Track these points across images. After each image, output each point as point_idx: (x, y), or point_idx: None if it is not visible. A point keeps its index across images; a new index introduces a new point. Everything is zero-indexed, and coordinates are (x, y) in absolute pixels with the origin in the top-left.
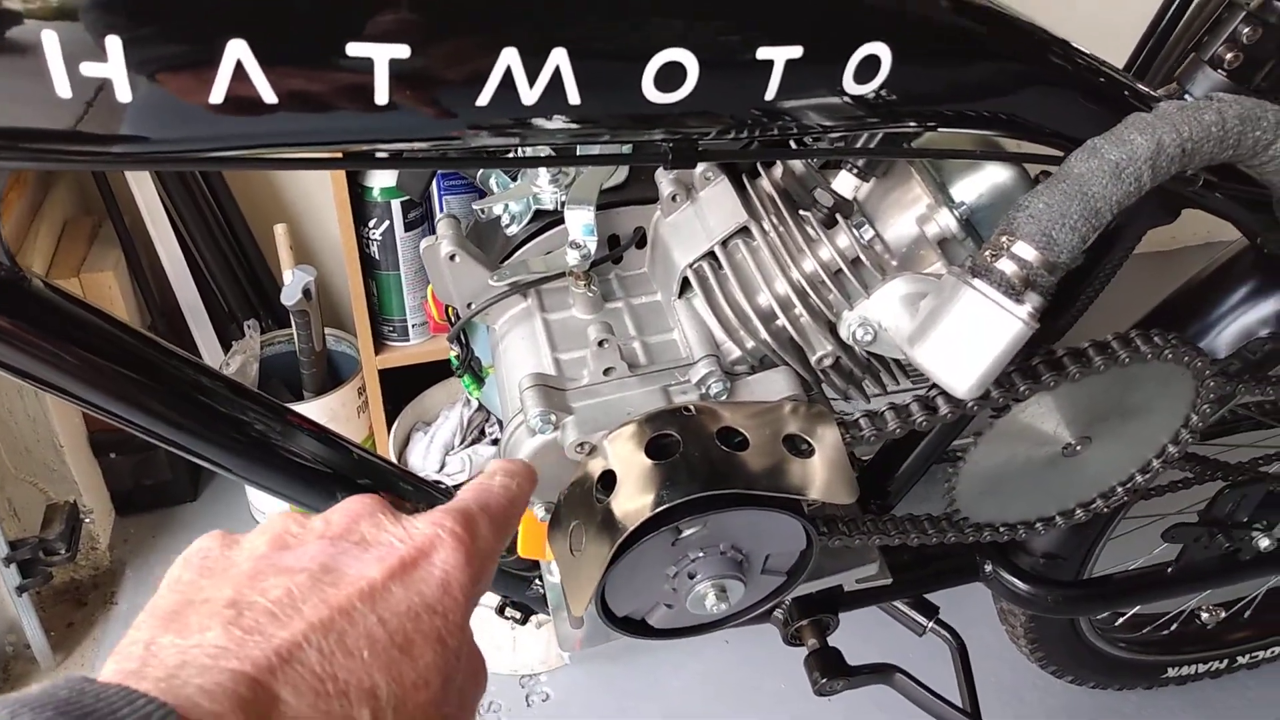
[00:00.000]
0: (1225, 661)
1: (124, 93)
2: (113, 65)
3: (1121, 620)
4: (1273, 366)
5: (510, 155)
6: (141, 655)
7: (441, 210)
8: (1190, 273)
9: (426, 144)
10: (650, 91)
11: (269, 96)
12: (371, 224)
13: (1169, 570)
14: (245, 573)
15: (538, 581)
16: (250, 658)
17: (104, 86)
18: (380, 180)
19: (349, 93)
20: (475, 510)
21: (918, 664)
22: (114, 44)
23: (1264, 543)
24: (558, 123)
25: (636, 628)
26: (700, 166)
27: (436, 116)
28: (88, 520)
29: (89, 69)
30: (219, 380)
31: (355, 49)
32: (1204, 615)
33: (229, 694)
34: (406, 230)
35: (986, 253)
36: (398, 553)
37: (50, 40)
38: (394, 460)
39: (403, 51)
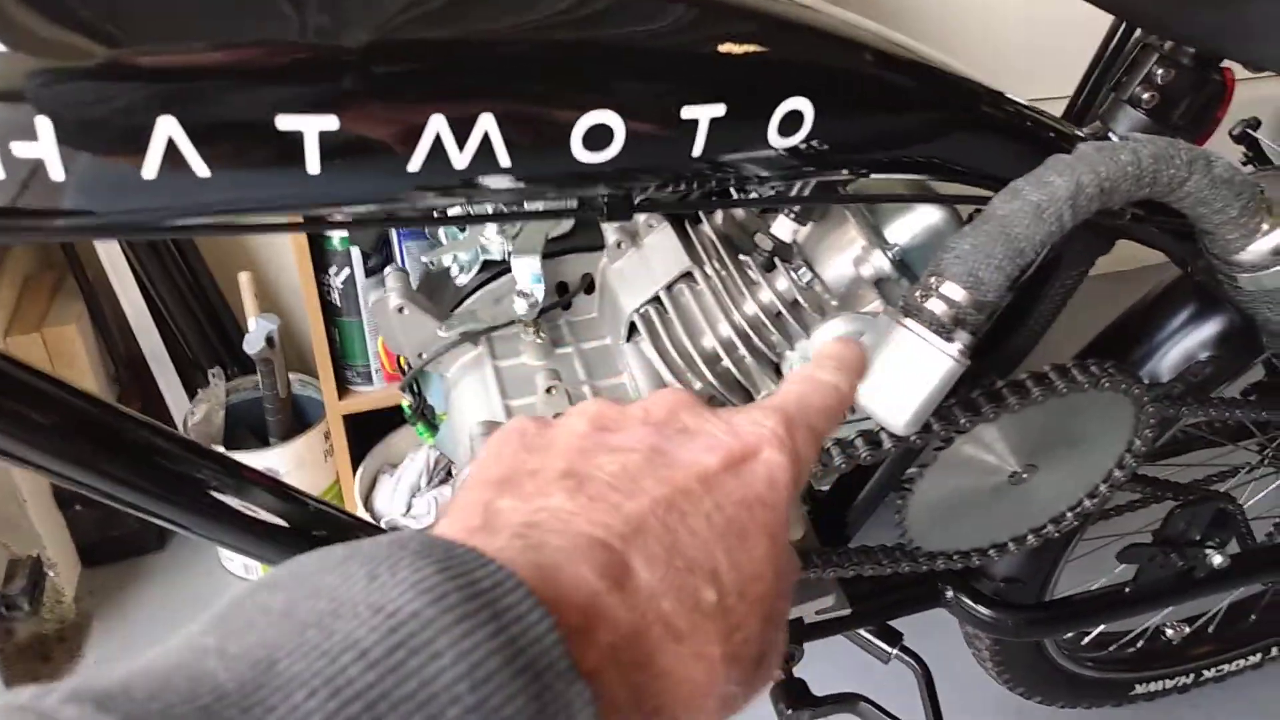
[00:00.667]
0: (1192, 676)
1: (57, 172)
2: (44, 145)
3: (1087, 640)
4: (1214, 388)
5: (453, 213)
6: (483, 514)
7: (402, 257)
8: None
9: (364, 208)
10: (579, 152)
11: (201, 170)
12: (332, 271)
13: (1126, 590)
14: (574, 448)
15: None
16: (602, 523)
17: (37, 166)
18: (340, 230)
19: (281, 163)
20: (796, 413)
21: (885, 690)
22: (44, 124)
23: (1217, 560)
24: (490, 184)
25: None
26: (642, 215)
27: (370, 183)
28: (51, 574)
29: (20, 149)
30: (174, 441)
31: (284, 122)
32: (1169, 632)
33: (587, 556)
34: (368, 276)
35: (917, 293)
36: (725, 444)
37: None
38: (360, 504)
39: (331, 123)
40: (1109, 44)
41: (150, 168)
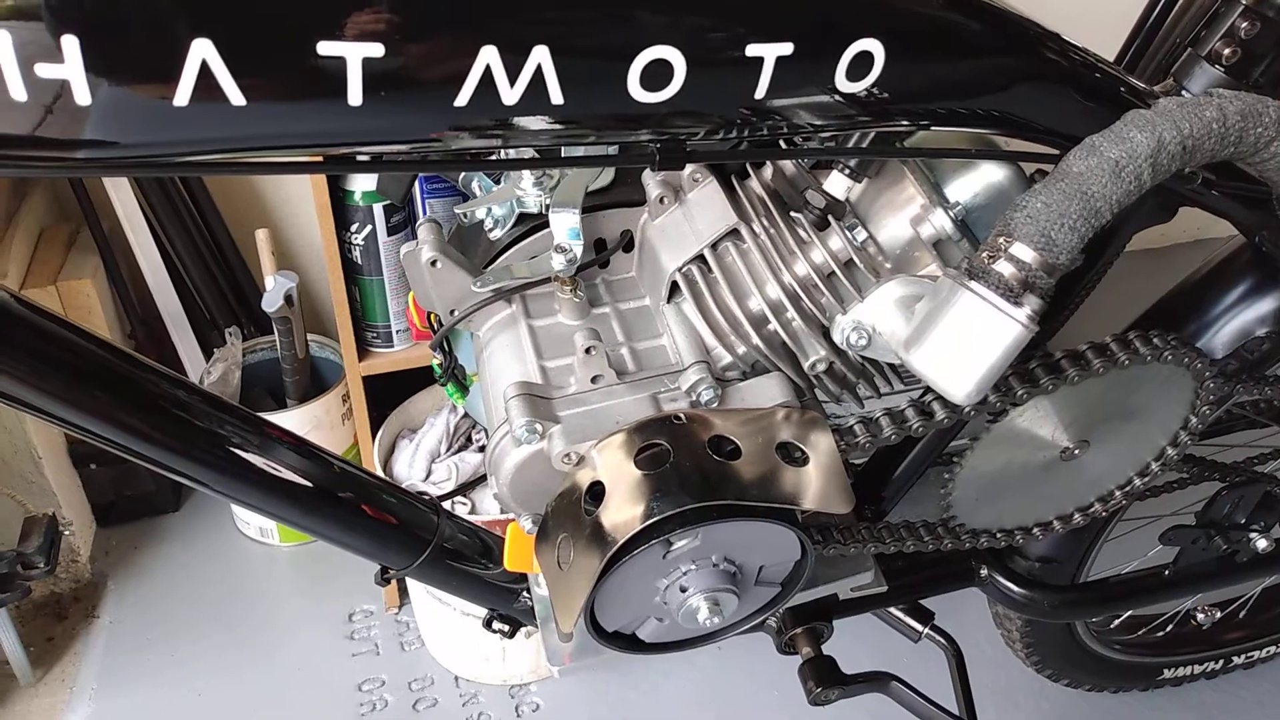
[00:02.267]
0: (1221, 662)
1: (83, 95)
2: (70, 66)
3: (1117, 622)
4: (1270, 366)
5: (492, 158)
6: None
7: (424, 214)
8: (1181, 270)
9: (404, 146)
10: (636, 90)
11: (237, 98)
12: (353, 229)
13: (1166, 573)
14: None
15: (525, 594)
16: None
17: (62, 89)
18: (361, 184)
19: (321, 94)
20: None
21: (912, 669)
22: (70, 44)
23: (1262, 544)
24: (540, 123)
25: (627, 642)
26: (688, 168)
27: (414, 118)
28: (67, 533)
29: (45, 70)
30: (196, 394)
31: (327, 48)
32: (1199, 616)
33: None
34: (389, 235)
35: (984, 254)
36: None
37: (3, 41)
38: (379, 469)
39: (377, 50)
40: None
41: (182, 94)
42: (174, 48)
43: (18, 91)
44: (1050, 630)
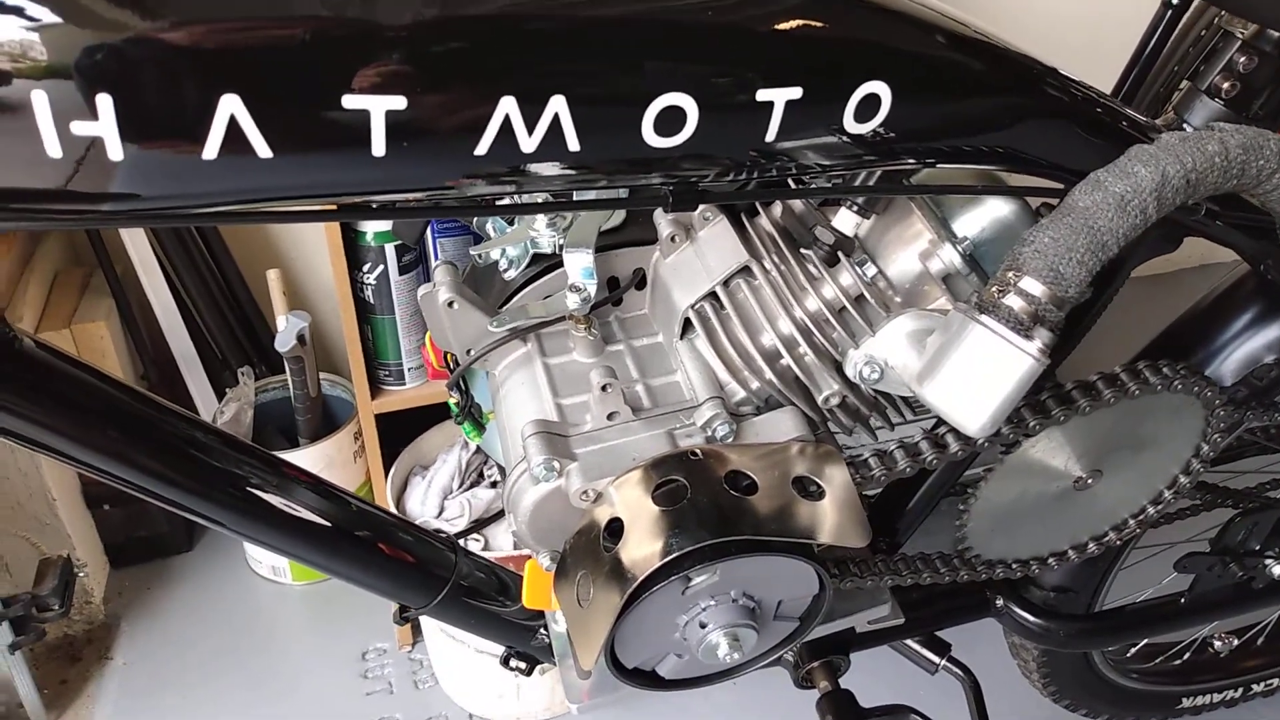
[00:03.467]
0: (1240, 690)
1: (115, 151)
2: (104, 124)
3: (1134, 651)
4: (1279, 392)
5: (504, 202)
6: None
7: (436, 254)
8: (1187, 296)
9: (423, 194)
10: (650, 136)
11: (264, 151)
12: (365, 268)
13: (1182, 600)
14: None
15: (543, 631)
16: None
17: (95, 145)
18: (374, 225)
19: (346, 145)
20: None
21: (929, 702)
22: (105, 103)
23: (1278, 570)
24: (556, 169)
25: (646, 679)
26: (699, 207)
27: (434, 166)
28: (81, 574)
29: (80, 128)
30: (212, 434)
31: (351, 101)
32: (1217, 644)
33: None
34: (401, 274)
35: (994, 288)
36: None
37: (40, 100)
38: (392, 506)
39: (400, 103)
40: (1154, 32)
41: (211, 148)
42: (204, 103)
43: (53, 148)
44: (1067, 660)
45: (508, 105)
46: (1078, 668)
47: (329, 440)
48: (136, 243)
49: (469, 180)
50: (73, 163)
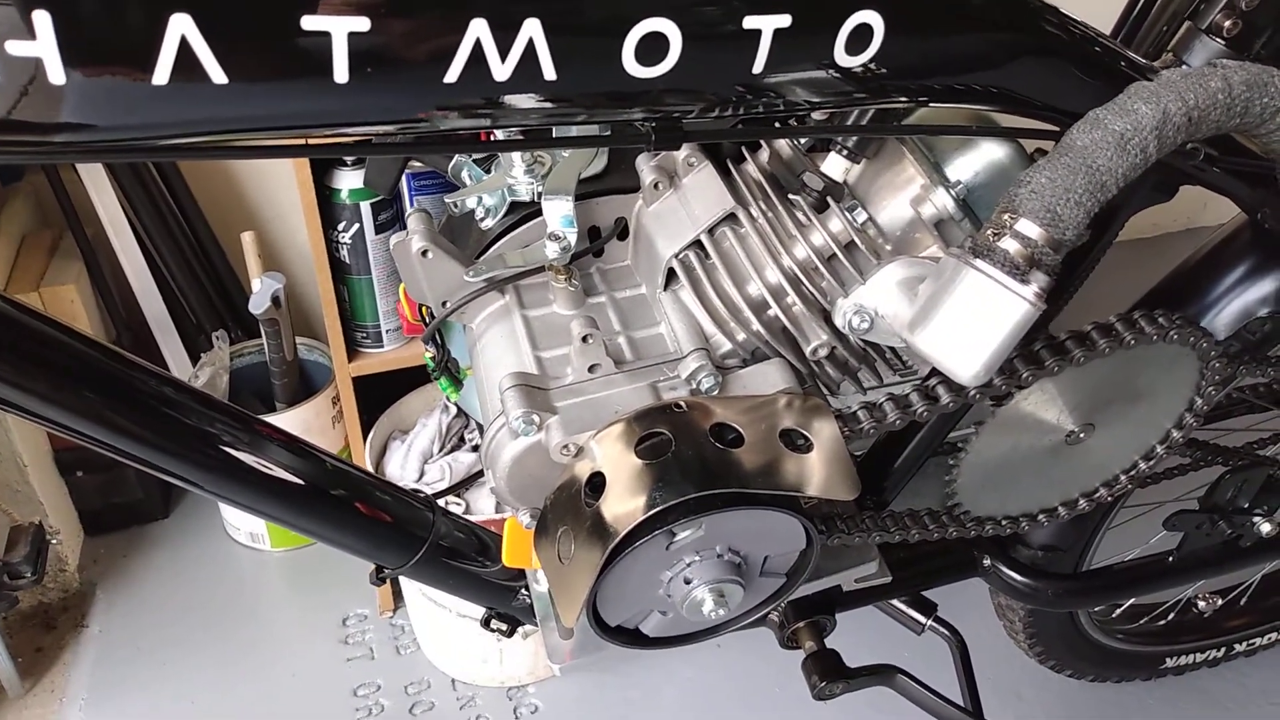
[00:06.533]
0: (1223, 650)
1: (57, 74)
2: (43, 44)
3: (1119, 611)
4: (1272, 347)
5: (482, 141)
6: None
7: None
8: (1172, 259)
9: (392, 127)
10: (631, 65)
11: (219, 76)
12: (340, 227)
13: (1170, 559)
14: None
15: (524, 591)
16: None
17: (36, 68)
18: (349, 182)
19: (306, 71)
20: None
21: (915, 662)
22: (43, 20)
23: (1265, 528)
24: (532, 101)
25: (630, 637)
26: (683, 152)
27: (402, 96)
28: (55, 541)
29: (16, 48)
30: (186, 392)
31: (311, 22)
32: (1201, 604)
33: None
34: (377, 232)
35: (988, 232)
36: None
37: None
38: (371, 470)
39: (363, 24)
40: None
41: (161, 73)
42: (151, 23)
43: None
44: (1053, 620)
45: (478, 28)
46: (1064, 628)
47: (306, 405)
48: (106, 204)
49: (440, 112)
50: (15, 88)
